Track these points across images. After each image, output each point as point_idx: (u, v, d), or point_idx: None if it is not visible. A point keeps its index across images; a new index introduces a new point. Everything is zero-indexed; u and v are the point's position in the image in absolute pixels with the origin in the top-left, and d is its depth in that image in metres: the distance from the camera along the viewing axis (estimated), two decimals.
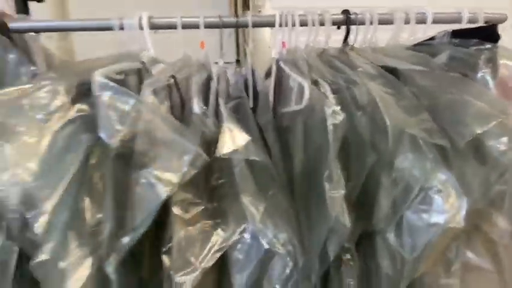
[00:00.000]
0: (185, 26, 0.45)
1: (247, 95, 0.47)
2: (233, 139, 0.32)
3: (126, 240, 0.30)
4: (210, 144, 0.35)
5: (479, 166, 0.36)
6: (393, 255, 0.36)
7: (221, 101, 0.39)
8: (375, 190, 0.36)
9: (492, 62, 0.43)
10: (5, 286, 0.33)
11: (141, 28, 0.44)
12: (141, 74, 0.41)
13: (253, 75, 0.48)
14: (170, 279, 0.31)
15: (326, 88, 0.40)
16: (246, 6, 1.04)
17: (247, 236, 0.34)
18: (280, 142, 0.39)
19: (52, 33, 0.54)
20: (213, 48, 0.49)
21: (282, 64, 0.46)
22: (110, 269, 0.30)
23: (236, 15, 0.98)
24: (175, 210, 0.32)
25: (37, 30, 0.46)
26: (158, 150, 0.31)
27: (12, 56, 0.42)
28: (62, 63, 0.56)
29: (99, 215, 0.31)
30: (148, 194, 0.30)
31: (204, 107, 0.38)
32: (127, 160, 0.31)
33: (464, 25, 0.48)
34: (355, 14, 0.48)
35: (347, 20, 0.47)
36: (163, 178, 0.30)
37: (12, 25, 0.45)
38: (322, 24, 0.47)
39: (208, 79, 0.44)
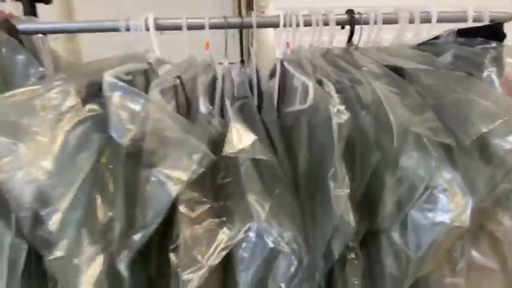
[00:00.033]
0: (190, 27, 0.46)
1: (252, 94, 0.47)
2: (240, 138, 0.33)
3: (137, 237, 0.30)
4: (216, 143, 0.35)
5: (485, 165, 0.36)
6: (398, 254, 0.36)
7: (227, 101, 0.40)
8: (379, 189, 0.37)
9: (498, 60, 0.43)
10: (14, 283, 0.34)
11: (147, 29, 0.45)
12: (147, 74, 0.42)
13: (257, 75, 0.48)
14: (177, 276, 0.31)
15: (330, 87, 0.40)
16: (249, 7, 1.04)
17: (252, 234, 0.34)
18: (285, 141, 0.39)
19: (59, 35, 0.55)
20: (217, 49, 0.49)
21: (286, 64, 0.46)
22: (122, 265, 0.30)
23: (240, 15, 0.98)
24: (182, 208, 0.33)
25: (44, 32, 0.47)
26: (168, 149, 0.31)
27: (21, 57, 0.43)
28: (69, 65, 0.57)
29: (111, 213, 0.32)
30: (158, 192, 0.31)
31: (210, 107, 0.39)
32: (137, 159, 0.32)
33: (469, 24, 0.48)
34: (359, 13, 0.48)
35: (351, 20, 0.47)
36: (173, 176, 0.30)
37: (20, 26, 0.46)
38: (326, 24, 0.47)
39: (214, 79, 0.45)
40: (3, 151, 0.30)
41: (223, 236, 0.34)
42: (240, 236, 0.34)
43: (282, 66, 0.47)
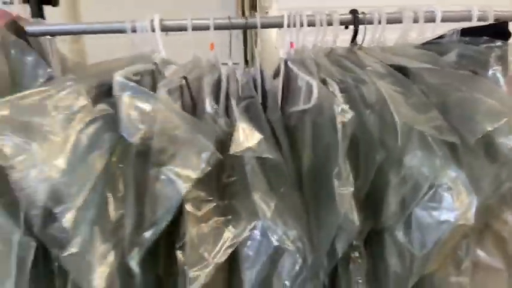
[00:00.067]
0: (195, 28, 0.46)
1: (256, 94, 0.48)
2: (246, 137, 0.33)
3: (148, 234, 0.31)
4: (221, 142, 0.36)
5: (490, 163, 0.36)
6: (402, 252, 0.36)
7: (233, 101, 0.40)
8: (383, 187, 0.37)
9: (503, 59, 0.43)
10: (23, 281, 0.34)
11: (152, 30, 0.45)
12: (154, 75, 0.42)
13: (261, 75, 0.48)
14: (184, 274, 0.32)
15: (334, 87, 0.40)
16: (253, 7, 1.04)
17: (257, 232, 0.35)
18: (289, 141, 0.39)
19: (65, 36, 0.56)
20: (221, 49, 0.49)
21: (290, 64, 0.46)
22: (134, 263, 0.31)
23: (244, 16, 0.99)
24: (188, 207, 0.33)
25: (52, 34, 0.48)
26: (177, 148, 0.32)
27: (30, 59, 0.44)
28: (75, 65, 0.57)
29: (122, 211, 0.32)
30: (168, 190, 0.31)
31: (215, 106, 0.39)
32: (147, 157, 0.33)
33: (474, 23, 0.48)
34: (363, 13, 0.48)
35: (355, 20, 0.47)
36: (183, 174, 0.31)
37: (28, 28, 0.46)
38: (330, 24, 0.47)
39: (219, 80, 0.45)
40: (17, 150, 0.31)
41: (229, 234, 0.34)
42: (246, 234, 0.34)
43: (286, 66, 0.47)
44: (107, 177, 0.33)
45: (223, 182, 0.37)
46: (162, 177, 0.31)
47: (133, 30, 0.46)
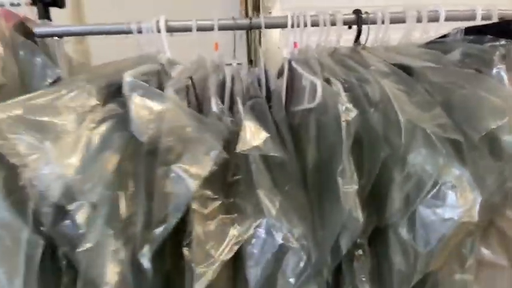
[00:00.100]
0: (200, 29, 0.47)
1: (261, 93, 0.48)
2: (253, 136, 0.34)
3: (159, 231, 0.32)
4: (227, 141, 0.36)
5: (494, 161, 0.36)
6: (406, 250, 0.36)
7: (238, 100, 0.40)
8: (387, 185, 0.37)
9: (507, 58, 0.43)
10: (31, 279, 0.35)
11: (158, 31, 0.46)
12: (160, 75, 0.43)
13: (266, 74, 0.49)
14: (191, 271, 0.32)
15: (338, 86, 0.40)
16: (256, 7, 1.05)
17: (262, 230, 0.35)
18: (294, 139, 0.40)
19: (70, 37, 0.57)
20: (225, 50, 0.50)
21: (294, 63, 0.47)
22: (145, 259, 0.31)
23: (247, 16, 0.99)
24: (194, 205, 0.33)
25: (60, 35, 0.48)
26: (186, 146, 0.32)
27: (39, 60, 0.45)
28: (80, 66, 0.58)
29: (133, 209, 0.33)
30: (178, 187, 0.32)
31: (221, 105, 0.40)
32: (157, 156, 0.33)
33: (477, 22, 0.48)
34: (367, 13, 0.48)
35: (358, 20, 0.48)
36: (192, 172, 0.31)
37: (36, 30, 0.47)
38: (333, 24, 0.47)
39: (224, 80, 0.45)
40: (30, 149, 0.32)
41: (235, 231, 0.34)
42: (251, 231, 0.34)
43: (290, 65, 0.48)
44: (119, 176, 0.34)
45: (229, 181, 0.37)
46: (172, 175, 0.32)
47: (139, 31, 0.46)
